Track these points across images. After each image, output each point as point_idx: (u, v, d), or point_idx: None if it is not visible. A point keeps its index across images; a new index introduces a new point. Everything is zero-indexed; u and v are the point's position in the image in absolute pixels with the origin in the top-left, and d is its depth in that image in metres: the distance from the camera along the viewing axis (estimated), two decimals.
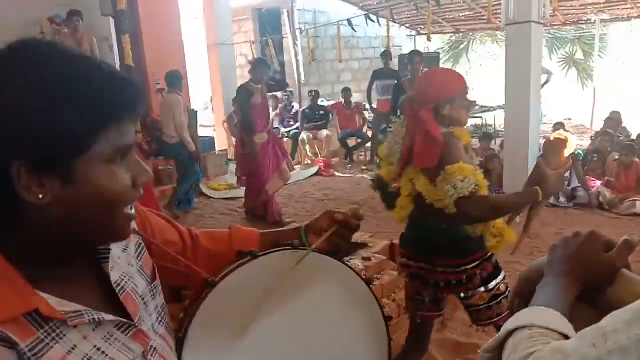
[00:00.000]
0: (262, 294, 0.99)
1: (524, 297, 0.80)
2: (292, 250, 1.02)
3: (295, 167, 9.03)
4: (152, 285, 0.86)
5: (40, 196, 0.64)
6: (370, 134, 9.38)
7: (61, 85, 0.64)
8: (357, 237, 3.71)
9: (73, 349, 0.67)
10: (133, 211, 0.76)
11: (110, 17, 6.66)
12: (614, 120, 7.93)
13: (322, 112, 9.35)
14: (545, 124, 11.42)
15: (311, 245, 1.06)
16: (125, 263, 0.83)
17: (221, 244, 1.07)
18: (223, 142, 9.35)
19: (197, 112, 8.80)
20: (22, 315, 0.64)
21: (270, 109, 5.71)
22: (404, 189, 2.10)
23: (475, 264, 2.05)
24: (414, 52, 5.78)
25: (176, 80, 6.11)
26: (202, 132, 9.11)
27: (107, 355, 0.71)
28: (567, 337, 0.62)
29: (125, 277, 0.80)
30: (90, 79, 0.67)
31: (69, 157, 0.65)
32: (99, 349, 0.70)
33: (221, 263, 1.01)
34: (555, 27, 12.05)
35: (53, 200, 0.65)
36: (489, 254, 2.09)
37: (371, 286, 1.10)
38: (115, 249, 0.81)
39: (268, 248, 1.02)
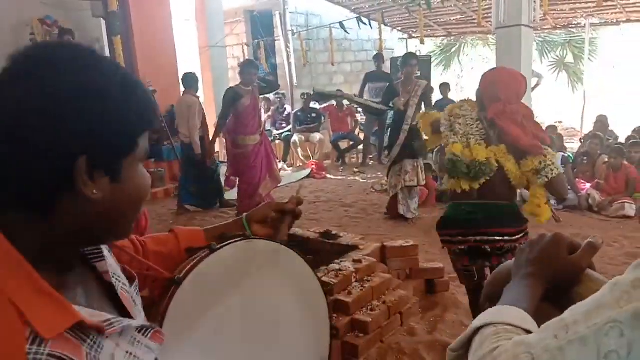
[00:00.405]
0: (224, 285, 1.05)
1: (492, 299, 0.81)
2: (246, 240, 1.08)
3: (288, 169, 9.07)
4: (135, 283, 0.87)
5: (94, 191, 0.67)
6: (362, 136, 9.41)
7: (123, 88, 0.70)
8: (348, 239, 3.72)
9: (112, 358, 0.69)
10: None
11: (102, 19, 6.64)
12: (602, 123, 8.01)
13: (314, 115, 9.37)
14: None
15: (256, 233, 1.14)
16: (113, 262, 0.84)
17: (170, 246, 1.10)
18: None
19: None
20: (67, 330, 0.63)
21: (263, 110, 5.70)
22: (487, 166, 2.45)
23: (522, 234, 2.45)
24: (409, 55, 5.81)
25: (192, 82, 6.39)
26: None
27: (138, 358, 0.73)
28: (530, 333, 0.64)
29: (115, 275, 0.81)
30: (139, 85, 0.74)
31: (122, 157, 0.70)
32: (130, 354, 0.72)
33: (172, 264, 1.04)
34: (546, 31, 12.14)
35: (100, 197, 0.68)
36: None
37: (316, 271, 1.20)
38: (103, 248, 0.82)
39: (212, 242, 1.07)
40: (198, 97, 6.62)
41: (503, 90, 2.45)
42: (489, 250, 2.44)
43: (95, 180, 0.67)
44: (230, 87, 5.71)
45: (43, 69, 0.66)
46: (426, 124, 2.99)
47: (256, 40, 10.81)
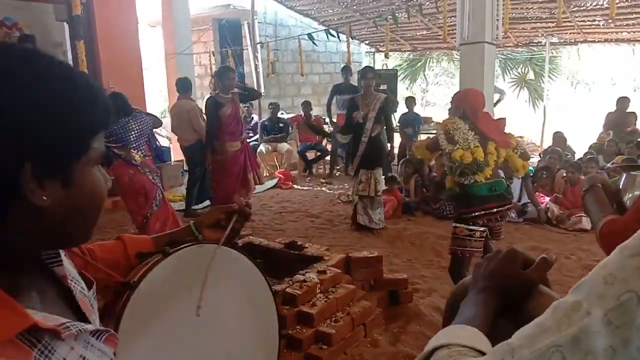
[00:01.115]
0: (177, 288, 1.10)
1: (452, 313, 0.83)
2: (198, 245, 1.14)
3: None
4: (93, 288, 0.86)
5: (44, 198, 0.65)
6: (329, 147, 9.45)
7: (68, 91, 0.68)
8: (314, 250, 3.71)
9: None
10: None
11: (65, 23, 6.48)
12: (560, 139, 8.27)
13: (281, 125, 9.36)
14: None
15: (207, 237, 1.19)
16: (70, 266, 0.83)
17: (117, 253, 1.11)
18: (179, 152, 9.20)
19: None
20: (18, 334, 0.61)
21: (241, 116, 5.71)
22: (491, 162, 3.42)
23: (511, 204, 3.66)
24: (366, 68, 5.88)
25: (187, 86, 6.63)
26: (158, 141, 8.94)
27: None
28: (483, 354, 0.64)
29: (73, 279, 0.80)
30: (90, 88, 0.71)
31: (71, 160, 0.68)
32: (84, 358, 0.70)
33: (119, 271, 1.05)
34: (508, 48, 12.50)
35: (52, 202, 0.66)
36: None
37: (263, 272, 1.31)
38: (61, 252, 0.80)
39: (161, 248, 1.11)
40: (194, 101, 6.70)
41: (478, 103, 3.58)
42: (500, 217, 3.48)
43: (44, 186, 0.65)
44: (210, 96, 5.68)
45: None
46: (423, 148, 3.77)
47: (224, 49, 10.76)
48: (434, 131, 10.99)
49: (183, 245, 1.11)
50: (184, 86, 6.57)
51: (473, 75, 6.05)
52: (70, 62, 6.50)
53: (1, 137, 0.61)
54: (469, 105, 3.51)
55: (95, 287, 0.87)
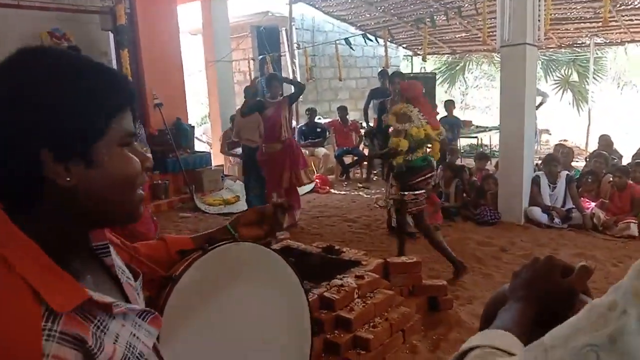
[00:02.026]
0: (216, 282, 1.17)
1: (488, 321, 0.81)
2: (235, 242, 1.21)
3: None
4: (140, 279, 0.92)
5: (68, 179, 0.71)
6: (366, 151, 9.42)
7: (77, 80, 0.73)
8: (351, 254, 3.71)
9: (117, 338, 0.74)
10: (143, 193, 0.83)
11: (110, 32, 6.70)
12: (606, 142, 7.99)
13: (319, 130, 9.39)
14: (544, 144, 11.52)
15: (244, 236, 1.25)
16: (117, 258, 0.89)
17: (160, 251, 1.18)
18: (219, 157, 9.35)
19: (194, 127, 8.83)
20: (78, 306, 0.68)
21: (285, 121, 5.83)
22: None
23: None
24: (394, 73, 5.88)
25: (256, 92, 6.76)
26: (198, 147, 9.12)
27: (139, 340, 0.78)
28: None
29: (120, 269, 0.87)
30: (99, 75, 0.76)
31: (90, 143, 0.73)
32: (134, 335, 0.77)
33: (161, 268, 1.12)
34: (551, 50, 12.19)
35: (79, 183, 0.72)
36: None
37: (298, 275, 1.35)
38: (110, 245, 0.87)
39: (201, 246, 1.18)
40: None
41: (419, 91, 4.48)
42: (430, 181, 4.52)
43: (69, 168, 0.71)
44: (260, 99, 6.07)
45: (6, 74, 0.71)
46: (393, 115, 4.32)
47: (262, 55, 10.89)
48: (474, 135, 10.84)
49: (221, 243, 1.18)
50: (251, 93, 6.73)
51: (514, 77, 5.93)
52: None
53: (16, 129, 0.68)
54: (413, 93, 4.37)
55: (141, 279, 0.93)
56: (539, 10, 5.93)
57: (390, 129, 4.48)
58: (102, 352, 0.70)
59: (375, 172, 9.35)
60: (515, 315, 0.75)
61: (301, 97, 8.85)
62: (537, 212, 5.98)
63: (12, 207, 0.72)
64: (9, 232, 0.70)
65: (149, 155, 0.91)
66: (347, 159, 9.40)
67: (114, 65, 6.77)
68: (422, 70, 11.92)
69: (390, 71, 8.42)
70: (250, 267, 1.24)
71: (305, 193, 8.11)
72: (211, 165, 8.21)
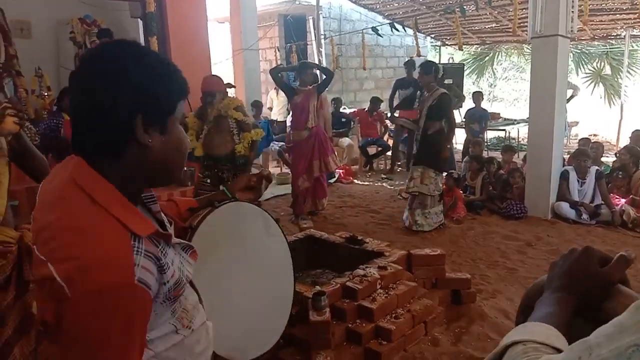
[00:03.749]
0: (224, 232, 1.55)
1: (526, 312, 0.81)
2: (236, 202, 1.57)
3: None
4: (173, 225, 1.16)
5: (150, 140, 0.95)
6: (391, 142, 9.36)
7: (163, 68, 0.98)
8: (374, 245, 3.70)
9: (172, 262, 0.97)
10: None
11: (139, 19, 6.76)
12: (639, 138, 7.76)
13: (343, 120, 9.36)
14: (574, 138, 11.27)
15: (240, 198, 1.58)
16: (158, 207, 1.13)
17: (172, 209, 1.44)
18: None
19: None
20: (151, 233, 0.93)
21: (314, 108, 5.85)
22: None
23: None
24: (423, 63, 5.73)
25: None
26: None
27: (184, 267, 1.04)
28: (559, 351, 0.63)
29: (161, 214, 1.11)
30: (176, 67, 1.02)
31: (166, 115, 0.98)
32: (181, 262, 1.03)
33: (174, 223, 1.35)
34: (583, 42, 11.88)
35: (154, 144, 0.96)
36: None
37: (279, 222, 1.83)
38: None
39: (204, 207, 1.50)
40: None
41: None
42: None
43: (149, 133, 0.95)
44: (293, 87, 6.14)
45: (113, 57, 0.94)
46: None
47: (288, 44, 10.88)
48: (502, 127, 10.66)
49: (227, 201, 1.52)
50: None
51: (545, 69, 5.81)
52: None
53: (124, 96, 0.91)
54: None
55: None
56: (573, 1, 5.78)
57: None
58: (168, 269, 0.94)
59: (399, 163, 9.29)
60: (554, 306, 0.75)
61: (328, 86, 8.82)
62: (565, 207, 5.87)
63: (99, 157, 0.94)
64: (91, 176, 0.92)
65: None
66: (371, 150, 9.35)
67: None
68: (450, 61, 11.74)
69: (418, 61, 8.33)
70: (248, 220, 1.64)
71: (329, 183, 8.12)
72: None
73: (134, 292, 0.86)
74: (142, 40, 6.82)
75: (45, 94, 6.43)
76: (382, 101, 9.44)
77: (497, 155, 8.06)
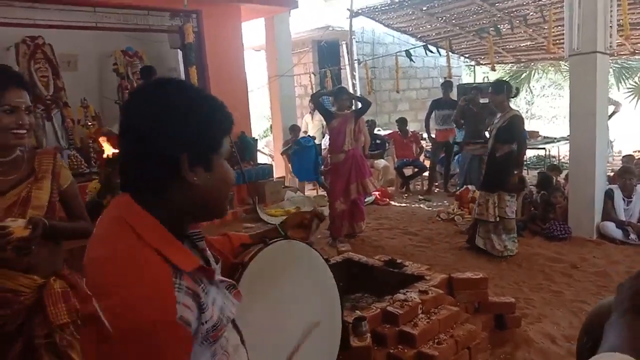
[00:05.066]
0: (274, 270, 1.46)
1: (592, 334, 0.79)
2: (287, 240, 1.51)
3: None
4: (220, 263, 1.12)
5: (195, 178, 0.96)
6: (427, 163, 9.30)
7: (208, 106, 1.00)
8: (414, 268, 3.66)
9: (214, 301, 0.96)
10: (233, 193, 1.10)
11: (178, 50, 7.00)
12: None
13: (378, 141, 9.37)
14: (616, 155, 10.95)
15: (291, 236, 1.53)
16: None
17: (225, 244, 1.43)
18: (280, 169, 9.52)
19: (257, 140, 9.04)
20: (193, 270, 0.92)
21: (349, 132, 5.90)
22: None
23: None
24: (495, 83, 5.63)
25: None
26: (260, 159, 9.32)
27: (227, 307, 1.01)
28: None
29: (209, 252, 1.10)
30: (220, 103, 1.03)
31: (211, 153, 0.99)
32: (224, 302, 1.01)
33: (227, 259, 1.34)
34: (623, 57, 11.59)
35: (199, 182, 0.96)
36: None
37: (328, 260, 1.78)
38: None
39: (256, 244, 1.43)
40: None
41: None
42: None
43: (194, 170, 0.96)
44: (331, 111, 6.25)
45: (157, 96, 0.97)
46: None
47: (322, 69, 11.02)
48: (542, 146, 10.44)
49: (278, 238, 1.48)
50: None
51: (584, 87, 5.70)
52: None
53: (168, 135, 0.93)
54: None
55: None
56: (611, 16, 5.67)
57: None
58: (208, 309, 0.92)
59: (436, 184, 9.20)
60: (625, 330, 0.73)
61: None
62: (611, 227, 5.68)
63: (145, 194, 0.96)
64: (136, 211, 0.94)
65: None
66: (407, 171, 9.31)
67: None
68: (485, 80, 11.65)
69: (455, 81, 8.31)
70: (299, 260, 1.55)
71: (366, 205, 8.10)
72: (273, 177, 8.36)
73: (175, 330, 0.86)
74: (181, 70, 7.05)
75: (90, 123, 6.70)
76: (406, 121, 9.40)
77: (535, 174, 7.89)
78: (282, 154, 9.30)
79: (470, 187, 7.24)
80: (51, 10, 5.51)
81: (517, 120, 5.17)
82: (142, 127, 0.94)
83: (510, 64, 13.50)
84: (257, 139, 9.13)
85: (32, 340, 1.82)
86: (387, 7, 9.90)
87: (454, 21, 10.32)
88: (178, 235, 0.97)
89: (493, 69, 9.01)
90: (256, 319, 1.36)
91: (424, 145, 9.71)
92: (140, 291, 0.84)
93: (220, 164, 1.01)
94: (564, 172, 7.69)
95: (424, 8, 9.62)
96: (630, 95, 12.89)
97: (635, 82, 12.93)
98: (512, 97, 5.37)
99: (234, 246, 1.43)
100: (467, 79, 14.04)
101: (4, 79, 1.90)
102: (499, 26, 8.14)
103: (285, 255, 1.50)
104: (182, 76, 7.07)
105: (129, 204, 0.95)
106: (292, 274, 1.53)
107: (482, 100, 7.99)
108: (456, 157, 8.90)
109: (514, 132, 5.15)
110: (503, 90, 5.21)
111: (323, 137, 9.51)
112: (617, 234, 5.64)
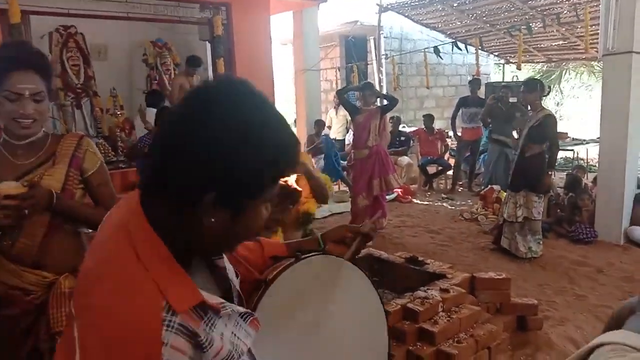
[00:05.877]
0: (304, 290, 1.23)
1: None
2: (324, 255, 1.28)
3: None
4: (239, 279, 1.00)
5: (212, 220, 0.79)
6: (452, 161, 9.20)
7: (260, 135, 0.78)
8: (435, 266, 3.64)
9: (222, 336, 0.80)
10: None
11: (207, 42, 7.06)
12: None
13: (402, 138, 9.30)
14: None
15: (329, 250, 1.33)
16: (226, 259, 0.99)
17: (256, 253, 1.25)
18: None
19: None
20: (192, 307, 0.77)
21: (375, 128, 5.89)
22: None
23: None
24: (526, 81, 5.54)
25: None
26: None
27: (239, 339, 0.84)
28: None
29: (228, 270, 0.97)
30: (280, 128, 0.82)
31: (245, 199, 0.80)
32: (234, 335, 0.83)
33: (255, 268, 1.20)
34: None
35: (217, 225, 0.79)
36: None
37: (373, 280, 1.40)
38: None
39: (293, 254, 1.24)
40: None
41: None
42: None
43: (217, 211, 0.78)
44: (357, 107, 6.23)
45: (195, 107, 0.80)
46: None
47: (349, 64, 10.99)
48: (570, 147, 10.25)
49: (312, 254, 1.24)
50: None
51: (618, 88, 5.56)
52: (211, 78, 7.06)
53: (202, 166, 0.75)
54: None
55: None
56: None
57: None
58: (212, 346, 0.77)
59: (460, 183, 9.10)
60: None
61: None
62: (639, 232, 5.55)
63: (156, 204, 0.81)
64: (141, 226, 0.80)
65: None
66: (431, 169, 9.23)
67: (210, 73, 7.13)
68: (514, 79, 11.46)
69: (483, 79, 8.20)
70: (335, 279, 1.29)
71: (388, 201, 8.06)
72: None
73: None
74: (209, 62, 7.11)
75: (119, 112, 6.82)
76: (432, 118, 9.31)
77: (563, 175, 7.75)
78: (307, 152, 9.29)
79: (495, 187, 7.14)
80: (84, 0, 5.61)
81: (550, 120, 5.06)
82: (169, 144, 0.79)
83: (540, 63, 13.25)
84: None
85: (39, 344, 1.72)
86: (417, 3, 9.82)
87: (484, 18, 10.17)
88: (185, 258, 0.84)
89: (519, 68, 8.84)
90: (279, 346, 1.17)
91: (449, 144, 9.61)
92: (123, 329, 0.72)
93: (254, 212, 0.83)
94: (592, 175, 7.54)
95: (455, 4, 9.50)
96: None
97: None
98: (544, 96, 5.25)
99: (265, 257, 1.26)
100: (495, 77, 13.84)
101: (9, 60, 1.69)
102: (530, 24, 7.99)
103: (319, 272, 1.26)
104: (210, 68, 7.14)
105: (137, 214, 0.82)
106: (326, 297, 1.29)
107: (511, 100, 7.88)
108: (482, 156, 8.79)
109: (547, 132, 5.05)
110: (536, 88, 5.10)
111: (347, 133, 9.49)
112: None
